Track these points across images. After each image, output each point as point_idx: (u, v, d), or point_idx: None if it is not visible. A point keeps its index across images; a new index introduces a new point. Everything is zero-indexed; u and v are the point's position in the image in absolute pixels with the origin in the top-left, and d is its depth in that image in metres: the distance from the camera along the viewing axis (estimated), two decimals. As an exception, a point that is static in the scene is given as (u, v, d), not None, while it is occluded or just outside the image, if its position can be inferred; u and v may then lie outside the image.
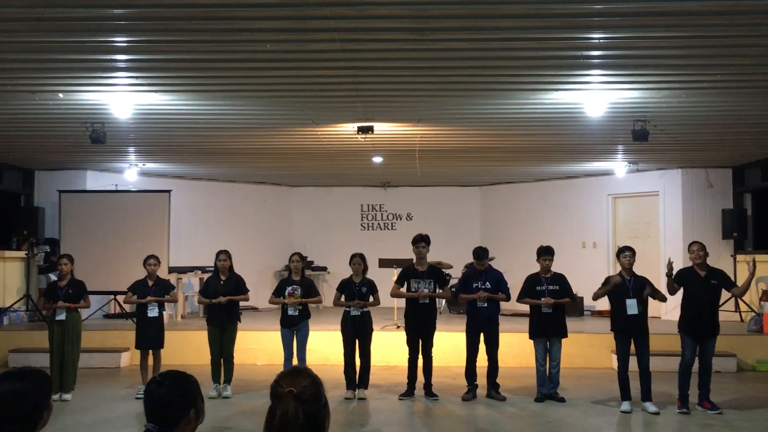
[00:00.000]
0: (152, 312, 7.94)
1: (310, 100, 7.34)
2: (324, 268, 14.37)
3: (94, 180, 12.18)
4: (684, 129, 8.63)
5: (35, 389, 2.17)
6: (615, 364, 8.63)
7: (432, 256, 8.00)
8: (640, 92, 6.90)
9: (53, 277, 10.97)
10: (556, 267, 7.86)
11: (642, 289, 7.12)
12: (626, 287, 7.13)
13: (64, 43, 5.50)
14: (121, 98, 7.04)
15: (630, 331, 7.11)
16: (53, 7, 4.77)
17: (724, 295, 7.71)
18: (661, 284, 7.56)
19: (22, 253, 11.57)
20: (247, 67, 6.11)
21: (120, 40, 5.52)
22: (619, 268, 7.47)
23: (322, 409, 1.98)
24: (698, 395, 7.12)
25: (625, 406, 7.11)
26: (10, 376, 2.19)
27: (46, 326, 9.69)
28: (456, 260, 12.78)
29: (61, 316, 7.81)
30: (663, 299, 7.34)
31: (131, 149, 10.40)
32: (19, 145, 9.81)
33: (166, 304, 8.24)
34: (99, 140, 8.04)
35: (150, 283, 8.02)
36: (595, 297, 7.41)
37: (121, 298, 11.16)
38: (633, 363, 7.17)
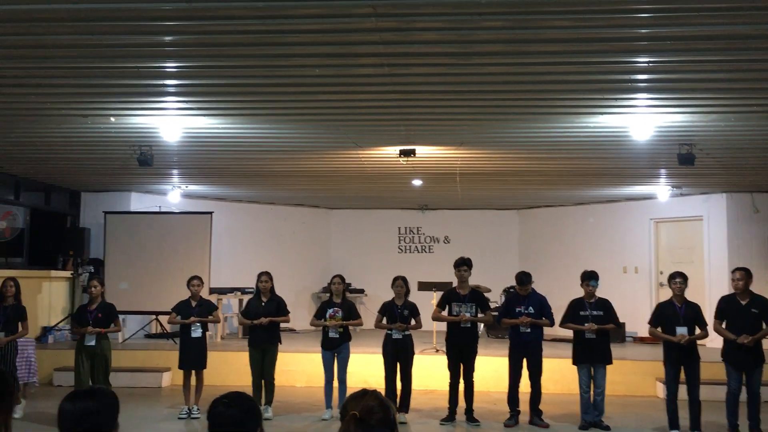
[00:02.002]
0: (195, 332, 8.01)
1: (355, 124, 7.41)
2: (361, 291, 14.37)
3: (138, 201, 12.41)
4: (730, 153, 8.50)
5: (107, 408, 2.20)
6: (660, 392, 8.46)
7: (470, 280, 7.96)
8: (687, 116, 6.82)
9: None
10: (597, 291, 7.75)
11: (694, 316, 6.99)
12: (677, 314, 7.00)
13: (117, 68, 5.65)
14: (170, 122, 7.20)
15: (680, 359, 6.98)
16: (108, 34, 4.91)
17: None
18: (707, 311, 7.41)
19: (67, 273, 11.81)
20: (295, 92, 6.20)
21: (171, 65, 5.65)
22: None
23: None
24: (748, 426, 6.93)
25: (674, 435, 6.96)
26: (82, 395, 2.22)
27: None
28: (494, 284, 12.69)
29: (91, 342, 7.50)
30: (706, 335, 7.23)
31: (175, 171, 10.59)
32: (69, 167, 10.07)
33: (208, 324, 8.30)
34: (146, 163, 8.20)
35: (193, 303, 8.10)
36: (651, 333, 7.35)
37: (162, 318, 11.32)
38: (680, 391, 7.03)
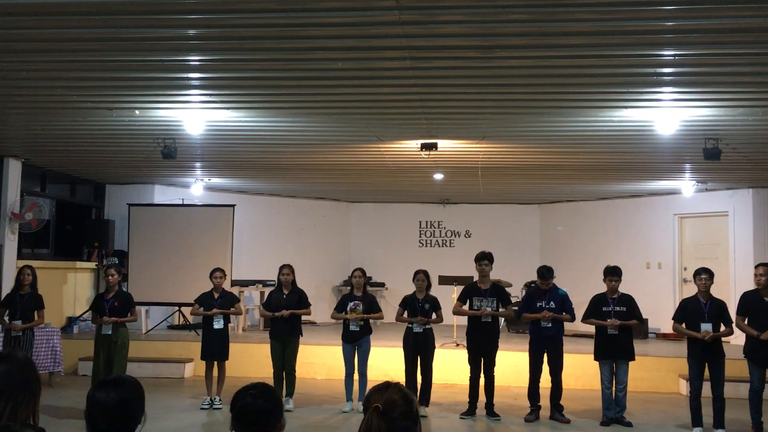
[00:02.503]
0: (217, 324, 8.07)
1: (377, 117, 7.41)
2: (382, 284, 14.38)
3: (162, 194, 12.53)
4: (757, 148, 8.37)
5: (136, 396, 2.23)
6: (683, 389, 8.37)
7: (491, 274, 7.94)
8: (713, 110, 6.73)
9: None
10: (620, 287, 7.69)
11: (719, 313, 6.92)
12: (701, 311, 6.93)
13: (142, 62, 5.69)
14: (194, 115, 7.24)
15: (705, 355, 6.92)
16: (133, 27, 4.95)
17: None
18: (732, 308, 7.33)
19: (92, 264, 11.97)
20: (318, 85, 6.20)
21: (194, 59, 5.68)
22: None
23: (412, 425, 1.98)
24: (773, 423, 6.86)
25: (697, 432, 6.90)
26: (112, 384, 2.24)
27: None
28: (515, 278, 12.63)
29: (107, 331, 7.52)
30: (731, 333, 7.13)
31: (198, 164, 10.67)
32: (94, 159, 10.18)
33: (230, 316, 8.36)
34: (170, 155, 8.26)
35: (216, 295, 8.16)
36: (675, 329, 7.30)
37: (185, 309, 11.43)
38: (704, 388, 6.96)
